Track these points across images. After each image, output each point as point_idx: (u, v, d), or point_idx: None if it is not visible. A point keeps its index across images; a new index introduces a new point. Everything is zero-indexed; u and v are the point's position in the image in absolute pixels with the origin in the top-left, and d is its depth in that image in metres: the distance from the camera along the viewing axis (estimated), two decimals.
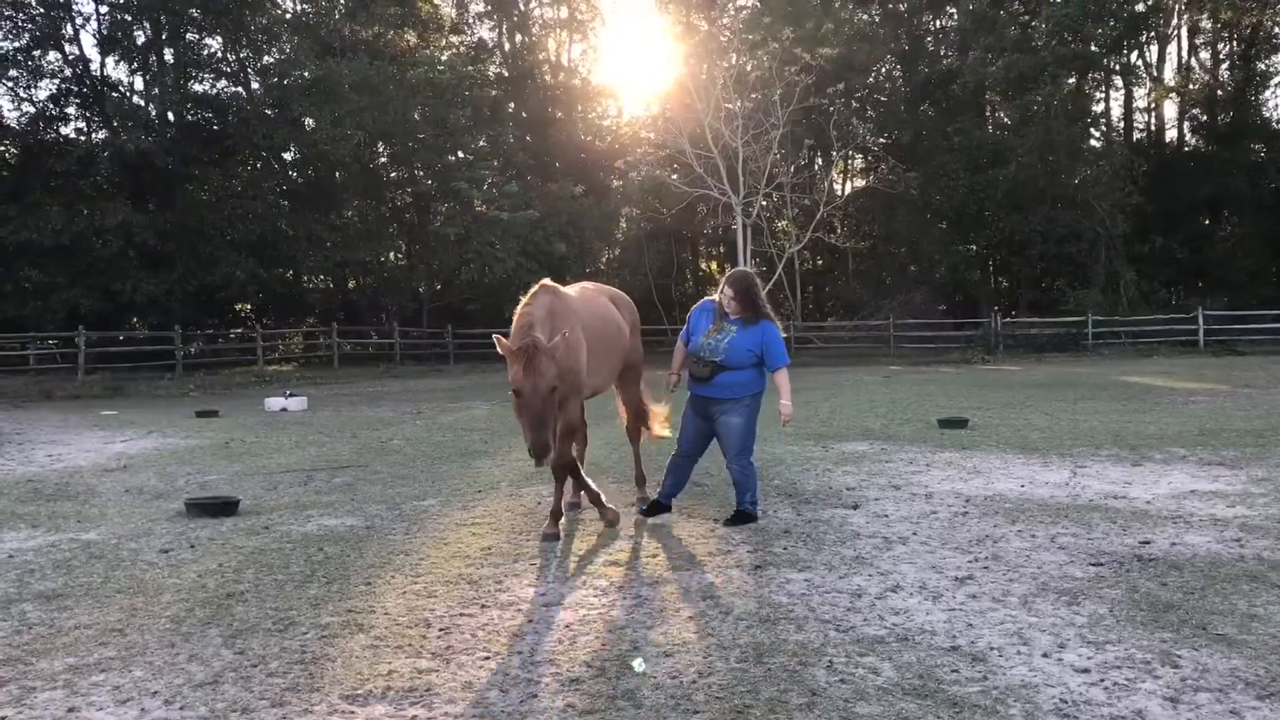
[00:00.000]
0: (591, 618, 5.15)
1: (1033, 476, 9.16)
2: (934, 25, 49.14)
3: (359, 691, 4.21)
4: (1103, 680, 4.16)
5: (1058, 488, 8.57)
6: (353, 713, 3.99)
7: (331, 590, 5.78)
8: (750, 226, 38.76)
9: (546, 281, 7.35)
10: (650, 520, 7.47)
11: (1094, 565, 5.95)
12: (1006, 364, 30.55)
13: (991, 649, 4.57)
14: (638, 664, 4.46)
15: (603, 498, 7.43)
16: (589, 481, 7.40)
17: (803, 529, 7.10)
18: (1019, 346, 36.08)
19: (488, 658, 4.60)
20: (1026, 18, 43.74)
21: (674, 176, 41.53)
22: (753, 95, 38.55)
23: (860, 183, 50.39)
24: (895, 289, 44.21)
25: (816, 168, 49.05)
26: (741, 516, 7.31)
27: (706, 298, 7.59)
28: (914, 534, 6.90)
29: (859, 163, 51.75)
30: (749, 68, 40.24)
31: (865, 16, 47.16)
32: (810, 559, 6.23)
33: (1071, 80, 42.80)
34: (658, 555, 6.40)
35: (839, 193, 47.05)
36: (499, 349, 6.50)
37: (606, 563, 6.26)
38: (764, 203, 40.30)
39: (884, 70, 48.36)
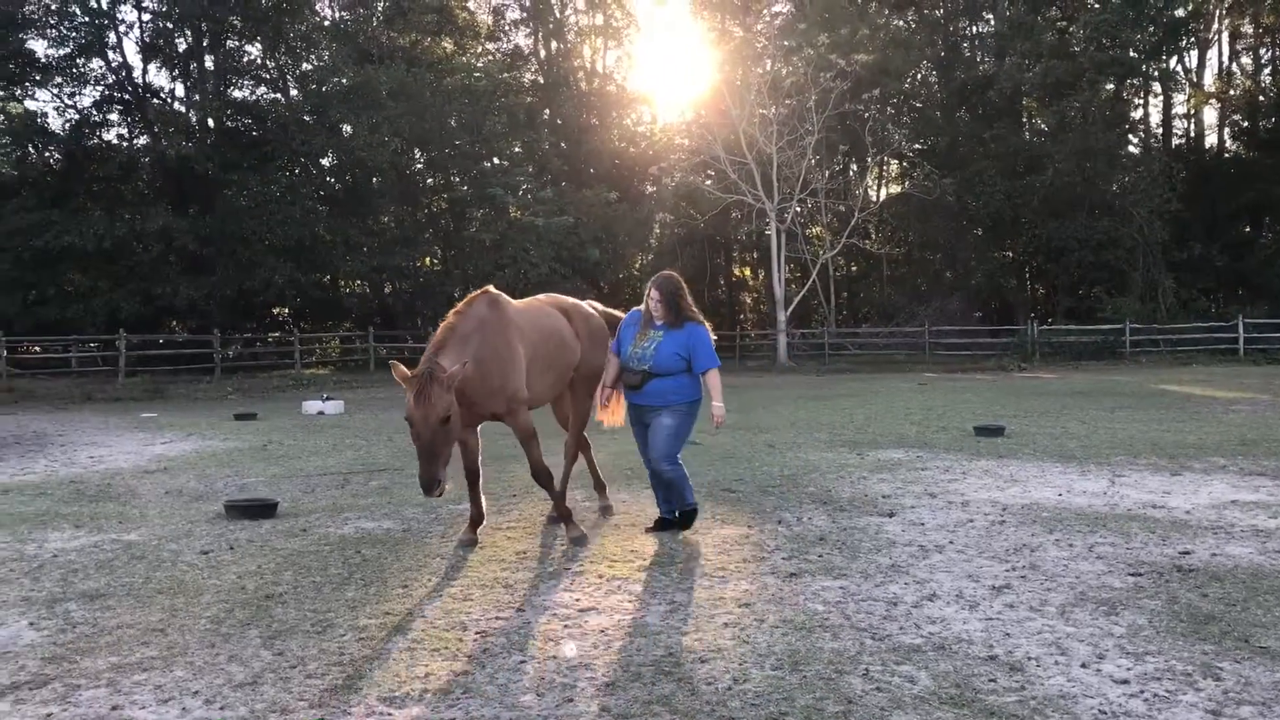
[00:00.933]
0: (626, 623, 5.16)
1: (1070, 485, 9.09)
2: (970, 31, 48.86)
3: (396, 693, 4.24)
4: (1143, 692, 4.13)
5: (1095, 497, 8.50)
6: (390, 714, 4.03)
7: (369, 593, 5.83)
8: (784, 232, 38.70)
9: (489, 288, 7.32)
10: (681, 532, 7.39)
11: (1133, 575, 5.90)
12: (1043, 371, 30.31)
13: (1029, 659, 4.54)
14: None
15: (571, 516, 7.35)
16: (561, 496, 7.38)
17: (838, 536, 7.08)
18: (1055, 354, 35.74)
19: (523, 661, 4.62)
20: (1064, 24, 43.42)
21: (708, 182, 41.51)
22: (787, 101, 38.47)
23: (895, 188, 50.11)
24: (930, 295, 43.96)
25: (851, 173, 48.91)
26: (687, 517, 7.21)
27: (635, 308, 7.46)
28: (950, 542, 6.87)
29: (894, 168, 51.50)
30: (784, 73, 40.15)
31: (901, 22, 46.99)
32: (846, 567, 6.21)
33: (1110, 86, 42.42)
34: (692, 561, 6.41)
35: (874, 198, 46.84)
36: (395, 376, 6.45)
37: (641, 568, 6.27)
38: (798, 208, 40.20)
39: (920, 76, 48.10)
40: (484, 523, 7.24)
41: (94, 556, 6.91)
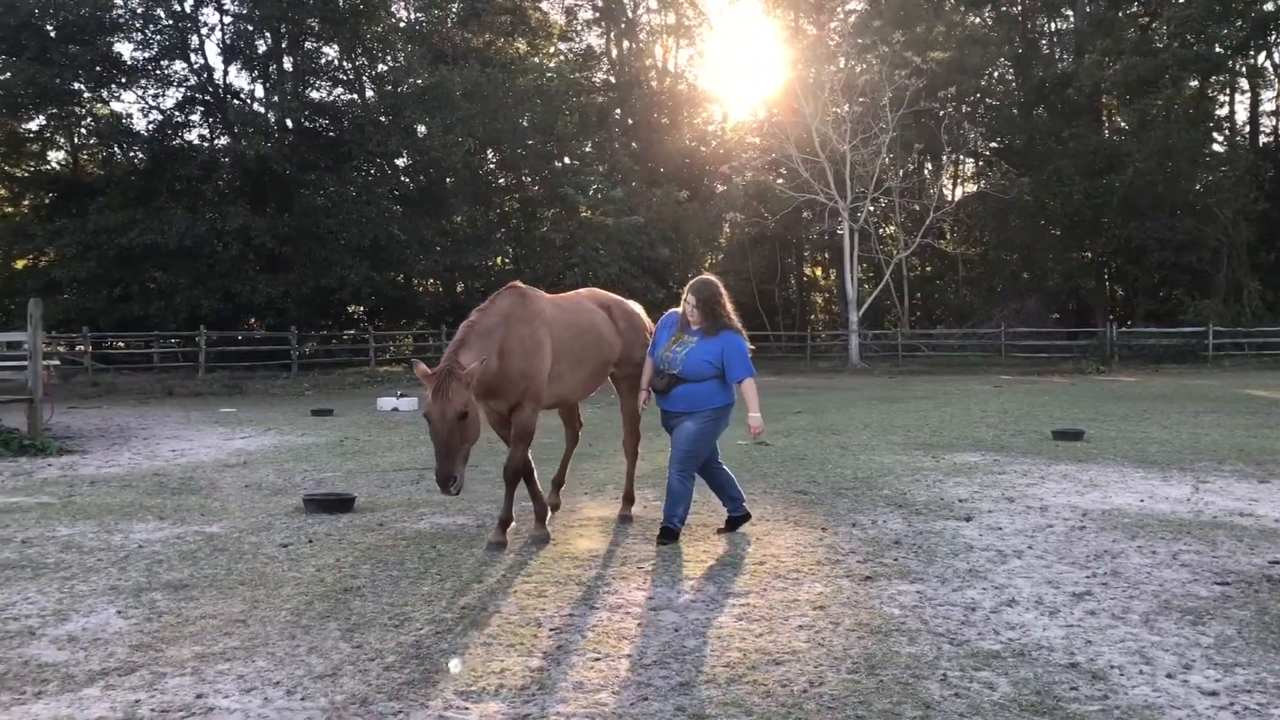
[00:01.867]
0: (699, 622, 5.15)
1: (1152, 491, 8.89)
2: (1049, 28, 48.02)
3: (473, 688, 4.28)
4: (1232, 704, 4.02)
5: (1179, 503, 8.30)
6: (467, 709, 4.06)
7: (445, 587, 5.89)
8: (857, 232, 38.39)
9: (517, 283, 7.30)
10: (742, 529, 7.32)
11: (1220, 584, 5.75)
12: (1122, 375, 29.69)
13: (1112, 667, 4.45)
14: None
15: (547, 515, 7.30)
16: (540, 492, 7.31)
17: (913, 540, 7.00)
18: (1135, 357, 34.99)
19: (598, 659, 4.63)
20: (1146, 19, 42.52)
21: (779, 181, 41.33)
22: (861, 99, 38.16)
23: (971, 188, 49.51)
24: (1007, 296, 43.34)
25: (926, 172, 48.38)
26: (668, 534, 6.94)
27: (671, 310, 7.34)
28: (1029, 547, 6.75)
29: (970, 167, 50.87)
30: (858, 71, 39.83)
31: (977, 19, 46.36)
32: (922, 571, 6.14)
33: (1194, 83, 41.42)
34: (765, 563, 6.37)
35: (949, 198, 46.28)
36: (416, 373, 6.49)
37: (714, 569, 6.25)
38: (871, 208, 39.88)
39: (996, 73, 47.42)
40: (512, 525, 7.16)
41: (177, 548, 7.06)
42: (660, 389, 6.99)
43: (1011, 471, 10.16)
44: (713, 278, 7.15)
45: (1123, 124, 43.37)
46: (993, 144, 47.52)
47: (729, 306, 7.06)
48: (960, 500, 8.52)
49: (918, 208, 41.53)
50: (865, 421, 15.84)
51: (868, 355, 38.33)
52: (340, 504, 8.44)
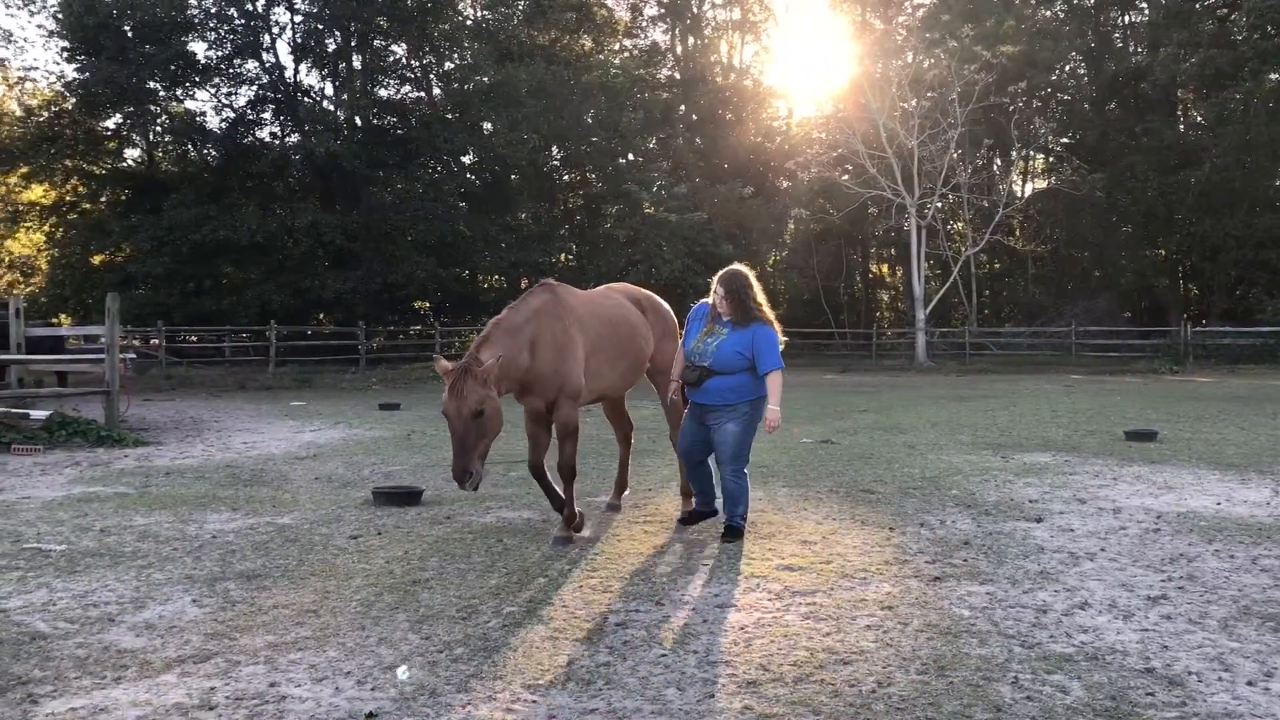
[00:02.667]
0: (765, 621, 5.12)
1: (1229, 494, 8.68)
2: (1122, 21, 47.03)
3: (540, 681, 4.30)
4: None
5: (1258, 506, 8.09)
6: (535, 701, 4.08)
7: (511, 581, 5.93)
8: (924, 228, 37.97)
9: (549, 280, 7.31)
10: (807, 527, 7.34)
11: None
12: (1197, 375, 29.02)
13: (1190, 673, 4.35)
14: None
15: (575, 514, 7.16)
16: (559, 490, 7.20)
17: (983, 541, 6.90)
18: (1210, 357, 34.13)
19: (664, 655, 4.63)
20: (1224, 11, 41.42)
21: (845, 177, 41.00)
22: (929, 94, 37.70)
23: (1041, 184, 48.72)
24: (1077, 294, 42.62)
25: (995, 168, 47.67)
26: (733, 532, 6.92)
27: (702, 300, 7.26)
28: (1102, 550, 6.63)
29: (1040, 163, 50.04)
30: (926, 66, 39.33)
31: (1048, 13, 45.52)
32: (992, 572, 6.05)
33: (1274, 76, 40.23)
34: (831, 562, 6.33)
35: (1018, 194, 45.59)
36: (436, 369, 6.52)
37: (779, 567, 6.22)
38: (939, 204, 39.43)
39: (1068, 68, 46.56)
40: (579, 521, 7.15)
41: (250, 538, 7.19)
42: (692, 381, 6.93)
43: (1083, 472, 9.98)
44: (742, 268, 7.07)
45: (1199, 118, 42.38)
46: (1064, 139, 46.69)
47: (760, 297, 6.98)
48: (1030, 501, 8.39)
49: (986, 204, 40.96)
50: (932, 420, 15.66)
51: (934, 353, 37.88)
52: (408, 497, 8.54)
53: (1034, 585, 5.76)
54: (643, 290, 8.23)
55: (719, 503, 7.20)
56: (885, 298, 53.78)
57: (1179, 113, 44.01)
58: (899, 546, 6.77)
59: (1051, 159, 48.57)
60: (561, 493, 7.15)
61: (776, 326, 6.96)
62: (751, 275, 7.03)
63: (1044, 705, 3.99)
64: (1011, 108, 42.79)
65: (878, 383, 27.44)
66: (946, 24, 38.86)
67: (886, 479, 9.63)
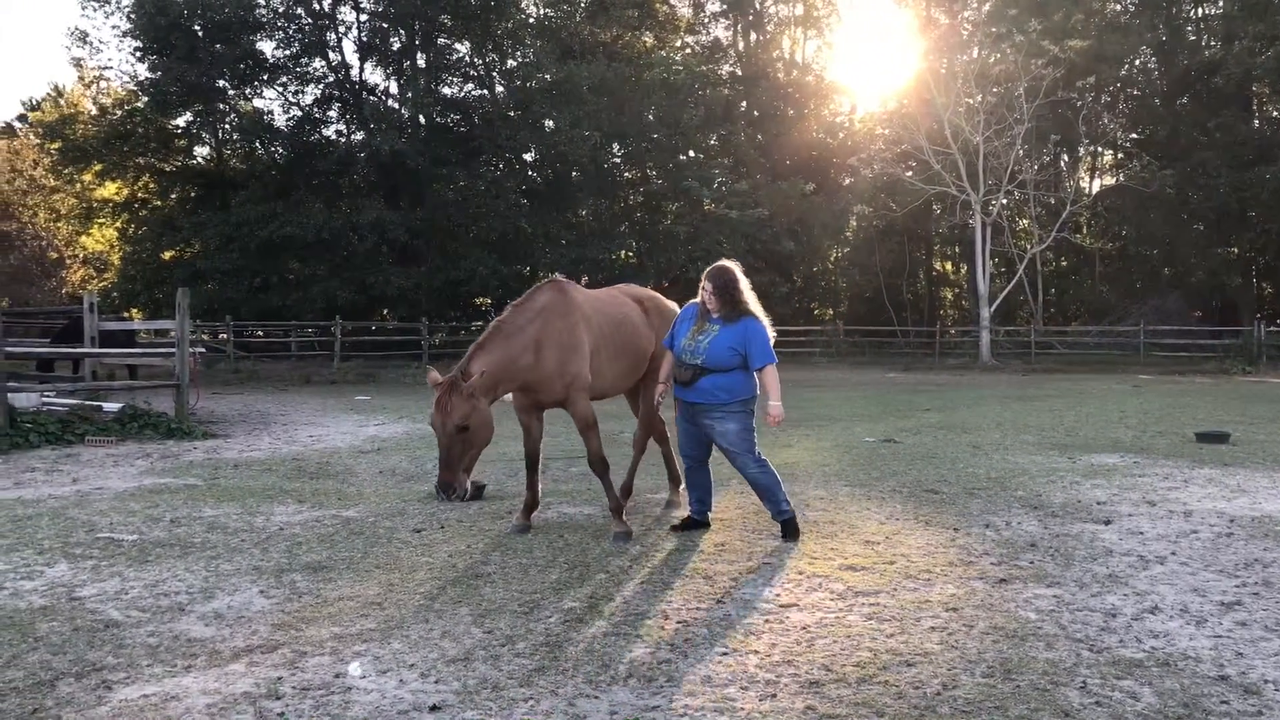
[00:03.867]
0: (828, 621, 5.09)
1: None
2: (1195, 13, 45.93)
3: (602, 677, 4.30)
4: None
5: None
6: (596, 698, 4.09)
7: (573, 576, 5.95)
8: (990, 225, 37.44)
9: (557, 276, 7.40)
10: (870, 527, 7.27)
11: None
12: (1270, 376, 28.34)
13: (1266, 682, 4.24)
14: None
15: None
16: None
17: (1050, 543, 6.79)
18: None
19: (725, 654, 4.61)
20: None
21: (908, 174, 40.56)
22: (995, 89, 37.19)
23: (1110, 180, 47.81)
24: (1146, 293, 41.78)
25: (1062, 164, 46.88)
26: (791, 529, 6.91)
27: (691, 301, 7.15)
28: (1172, 553, 6.49)
29: (1108, 159, 49.11)
30: (992, 61, 38.81)
31: (1118, 6, 44.66)
32: (1059, 575, 5.95)
33: None
34: (895, 563, 6.26)
35: (1086, 190, 44.78)
36: (428, 381, 6.57)
37: (841, 567, 6.17)
38: (1005, 201, 38.87)
39: (1138, 62, 45.61)
40: (538, 509, 7.39)
41: (316, 530, 7.29)
42: (684, 380, 6.83)
43: (1152, 474, 9.79)
44: (730, 263, 6.99)
45: (1274, 113, 41.30)
46: (1133, 135, 45.77)
47: (748, 292, 6.90)
48: (1098, 503, 8.24)
49: (1053, 201, 40.30)
50: (997, 420, 15.45)
51: (999, 352, 37.37)
52: (472, 491, 8.58)
53: (1102, 589, 5.65)
54: (648, 291, 8.29)
55: (710, 514, 7.31)
56: (949, 295, 53.15)
57: (1254, 108, 42.94)
58: (963, 548, 6.69)
59: (1120, 155, 47.67)
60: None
61: (766, 321, 6.89)
62: (739, 270, 6.92)
63: (1114, 711, 3.92)
64: (1079, 103, 42.01)
65: (941, 381, 27.14)
66: (1013, 18, 38.25)
67: (951, 479, 9.51)
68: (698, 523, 7.26)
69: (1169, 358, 34.77)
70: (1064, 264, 48.04)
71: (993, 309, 37.40)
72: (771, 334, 6.86)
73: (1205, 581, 5.81)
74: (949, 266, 53.43)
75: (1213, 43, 43.44)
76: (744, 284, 6.87)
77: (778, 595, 5.56)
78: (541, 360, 6.85)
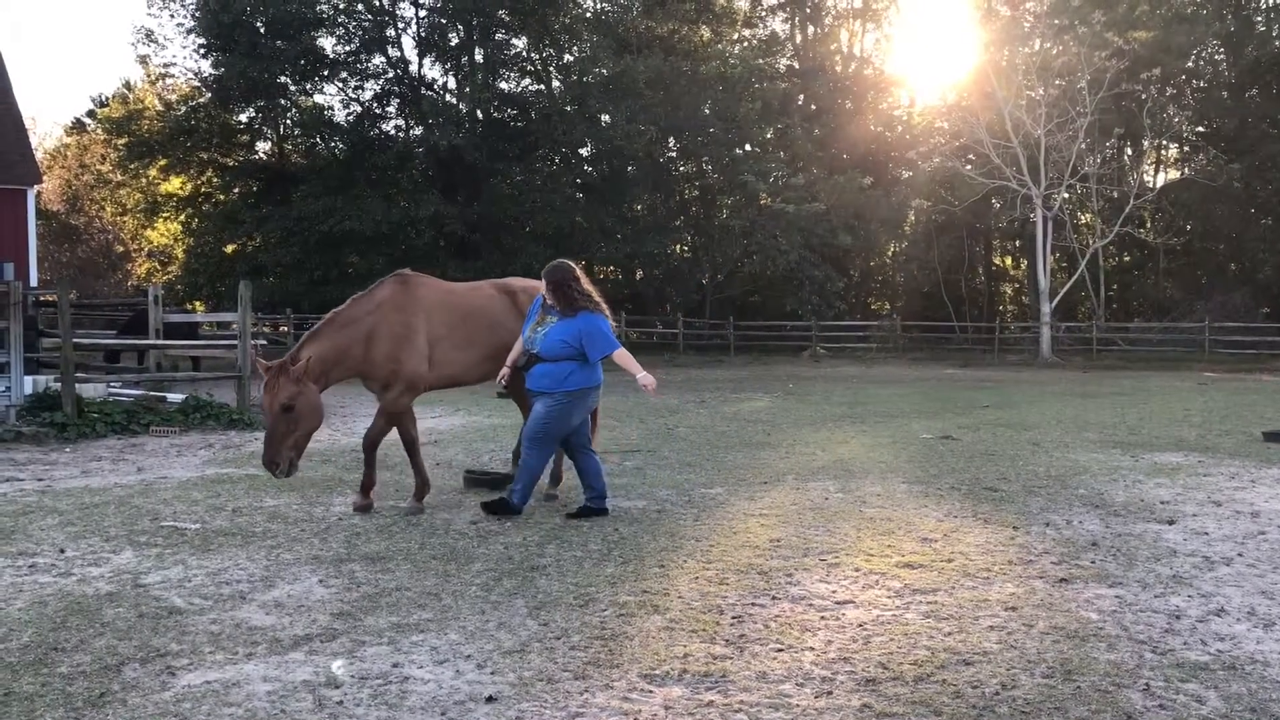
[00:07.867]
0: (885, 619, 5.04)
1: None
2: (1265, 3, 44.88)
3: (656, 672, 4.30)
4: None
5: None
6: (651, 692, 4.09)
7: (627, 570, 5.95)
8: (1051, 220, 36.90)
9: (404, 270, 7.89)
10: (928, 525, 7.19)
11: None
12: None
13: None
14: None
15: (426, 491, 7.82)
16: (423, 466, 7.92)
17: (1112, 542, 6.68)
18: None
19: (781, 650, 4.59)
20: None
21: (968, 167, 40.07)
22: (1057, 82, 36.64)
23: (1175, 174, 46.86)
24: (1212, 289, 40.91)
25: (1126, 158, 46.10)
26: (491, 508, 7.39)
27: (541, 293, 7.51)
28: (1239, 555, 6.35)
29: (1173, 153, 48.14)
30: (1054, 53, 38.22)
31: None
32: (1122, 575, 5.85)
33: None
34: (953, 561, 6.20)
35: (1150, 185, 43.96)
36: (258, 368, 7.02)
37: (899, 564, 6.12)
38: (1066, 195, 38.27)
39: (1205, 53, 44.66)
40: (375, 486, 7.83)
41: (374, 521, 7.37)
42: (521, 366, 7.39)
43: (1218, 474, 9.59)
44: (566, 261, 7.43)
45: None
46: (1199, 128, 44.87)
47: (587, 288, 7.32)
48: (1162, 502, 8.09)
49: (1116, 195, 39.61)
50: (1058, 417, 15.23)
51: (1059, 348, 36.82)
52: (502, 482, 8.61)
53: (1166, 590, 5.55)
54: (528, 282, 8.44)
55: (607, 502, 7.53)
56: (1008, 291, 52.49)
57: None
58: (1023, 546, 6.60)
59: (1186, 148, 46.75)
60: (373, 473, 7.79)
61: (606, 312, 7.30)
62: (577, 268, 7.37)
63: (1177, 715, 3.85)
64: (1144, 95, 41.22)
65: (1000, 378, 26.81)
66: (1076, 10, 37.63)
67: (1010, 476, 9.39)
68: (593, 511, 7.47)
69: (1235, 355, 34.05)
70: (1127, 259, 47.24)
71: (1054, 305, 36.87)
72: (611, 323, 7.35)
73: (1274, 584, 5.68)
74: (1008, 261, 52.75)
75: None
76: (582, 279, 7.34)
77: (834, 592, 5.53)
78: (373, 351, 7.42)
